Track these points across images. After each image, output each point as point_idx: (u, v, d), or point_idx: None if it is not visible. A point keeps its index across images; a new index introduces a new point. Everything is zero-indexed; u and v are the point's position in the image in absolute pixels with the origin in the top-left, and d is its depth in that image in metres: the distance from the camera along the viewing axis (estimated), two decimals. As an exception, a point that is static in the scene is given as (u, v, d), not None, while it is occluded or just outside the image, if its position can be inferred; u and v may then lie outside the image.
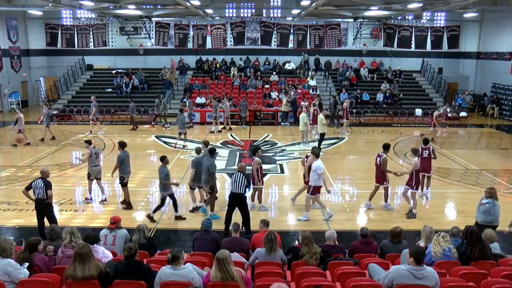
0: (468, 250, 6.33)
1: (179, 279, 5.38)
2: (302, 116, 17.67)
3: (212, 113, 20.85)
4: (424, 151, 11.55)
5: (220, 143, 18.28)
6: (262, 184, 10.87)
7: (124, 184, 10.83)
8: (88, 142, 11.52)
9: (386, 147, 10.85)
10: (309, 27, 27.31)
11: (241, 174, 9.24)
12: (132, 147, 17.69)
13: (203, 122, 22.94)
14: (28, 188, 8.74)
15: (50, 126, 18.76)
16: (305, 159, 10.83)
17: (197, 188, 10.65)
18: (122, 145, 10.97)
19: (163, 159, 10.10)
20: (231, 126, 21.62)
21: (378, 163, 10.65)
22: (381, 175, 10.67)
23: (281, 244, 7.19)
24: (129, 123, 22.05)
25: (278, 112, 23.52)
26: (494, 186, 12.89)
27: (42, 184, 8.64)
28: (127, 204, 10.95)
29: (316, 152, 10.25)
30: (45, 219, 8.89)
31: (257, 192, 10.85)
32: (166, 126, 21.68)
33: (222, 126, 21.45)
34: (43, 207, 8.78)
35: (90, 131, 20.15)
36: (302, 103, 22.08)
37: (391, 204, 11.11)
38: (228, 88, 26.93)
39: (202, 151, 10.74)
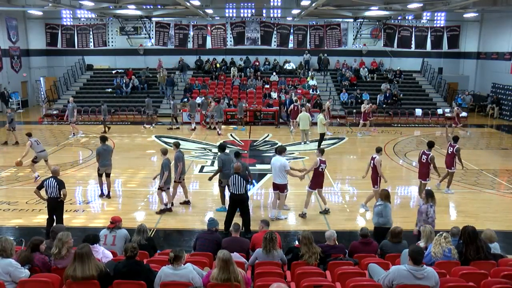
0: (464, 250, 6.35)
1: (179, 279, 5.38)
2: (307, 116, 17.75)
3: (189, 112, 21.55)
4: (449, 148, 12.13)
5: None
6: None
7: (99, 174, 11.58)
8: (28, 135, 13.25)
9: (431, 145, 11.20)
10: (309, 27, 27.32)
11: (238, 176, 9.23)
12: (132, 147, 17.81)
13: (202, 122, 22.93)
14: (40, 187, 8.78)
15: (16, 129, 18.00)
16: (371, 162, 10.66)
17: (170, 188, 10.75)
18: (102, 139, 11.81)
19: (238, 155, 10.35)
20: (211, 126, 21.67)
21: (424, 161, 10.94)
22: (425, 172, 10.97)
23: (281, 244, 7.19)
24: (128, 123, 22.06)
25: (277, 112, 23.49)
26: (494, 186, 13.02)
27: (56, 183, 8.69)
28: (107, 194, 11.74)
29: (279, 149, 10.37)
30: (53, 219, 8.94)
31: None
32: (148, 126, 21.80)
33: (208, 126, 21.54)
34: (56, 206, 8.85)
35: (74, 133, 19.71)
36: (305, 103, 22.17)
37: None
38: (228, 88, 26.93)
39: (177, 150, 10.84)
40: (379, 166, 10.45)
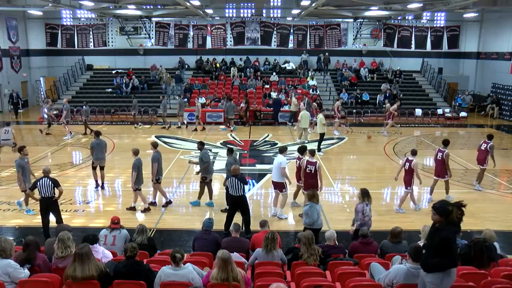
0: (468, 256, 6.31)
1: (179, 279, 5.38)
2: (308, 115, 18.01)
3: (179, 111, 21.96)
4: (483, 144, 12.37)
5: (220, 143, 18.27)
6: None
7: (93, 167, 12.20)
8: (5, 124, 14.37)
9: (446, 143, 11.27)
10: (309, 27, 27.30)
11: (235, 178, 9.23)
12: (132, 147, 17.67)
13: (203, 122, 22.92)
14: (33, 188, 8.76)
15: None
16: (406, 163, 10.61)
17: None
18: (96, 134, 12.46)
19: (231, 151, 10.77)
20: (204, 127, 21.60)
21: (439, 158, 11.09)
22: (442, 170, 11.09)
23: (281, 244, 7.19)
24: (129, 122, 21.92)
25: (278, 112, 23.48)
26: (494, 186, 13.01)
27: (50, 182, 8.71)
28: (101, 185, 12.29)
29: (280, 149, 10.51)
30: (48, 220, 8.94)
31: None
32: (137, 125, 21.89)
33: (201, 127, 21.45)
34: (50, 205, 8.86)
35: (70, 132, 19.70)
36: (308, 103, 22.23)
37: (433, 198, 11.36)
38: (228, 88, 26.93)
39: (154, 151, 10.95)
40: (416, 169, 10.40)
